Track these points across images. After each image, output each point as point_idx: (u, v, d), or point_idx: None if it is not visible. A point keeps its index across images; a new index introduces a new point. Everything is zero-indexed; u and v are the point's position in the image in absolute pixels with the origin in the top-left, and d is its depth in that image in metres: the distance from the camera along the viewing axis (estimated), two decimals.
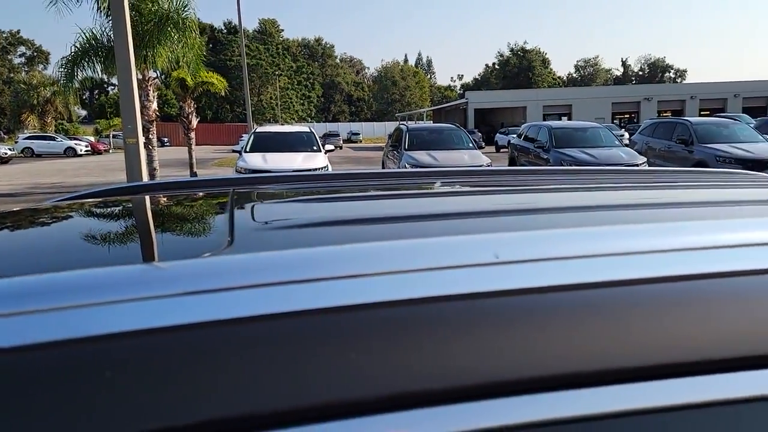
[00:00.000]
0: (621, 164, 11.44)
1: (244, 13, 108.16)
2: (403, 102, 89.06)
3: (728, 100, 49.52)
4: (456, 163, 11.33)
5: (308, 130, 13.58)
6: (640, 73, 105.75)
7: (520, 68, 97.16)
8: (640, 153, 13.38)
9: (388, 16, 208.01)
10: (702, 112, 44.49)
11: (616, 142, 13.48)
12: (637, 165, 11.58)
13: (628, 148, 13.61)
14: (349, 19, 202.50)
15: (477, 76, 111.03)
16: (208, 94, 39.15)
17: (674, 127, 13.87)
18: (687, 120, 13.93)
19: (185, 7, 13.92)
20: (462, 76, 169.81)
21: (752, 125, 16.32)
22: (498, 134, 37.88)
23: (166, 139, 57.26)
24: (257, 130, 13.43)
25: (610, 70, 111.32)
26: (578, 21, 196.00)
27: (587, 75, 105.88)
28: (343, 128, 73.62)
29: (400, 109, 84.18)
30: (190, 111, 18.53)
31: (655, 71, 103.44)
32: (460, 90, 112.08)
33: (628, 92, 56.74)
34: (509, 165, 14.97)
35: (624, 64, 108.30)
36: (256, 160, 11.12)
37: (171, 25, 13.77)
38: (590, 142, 13.14)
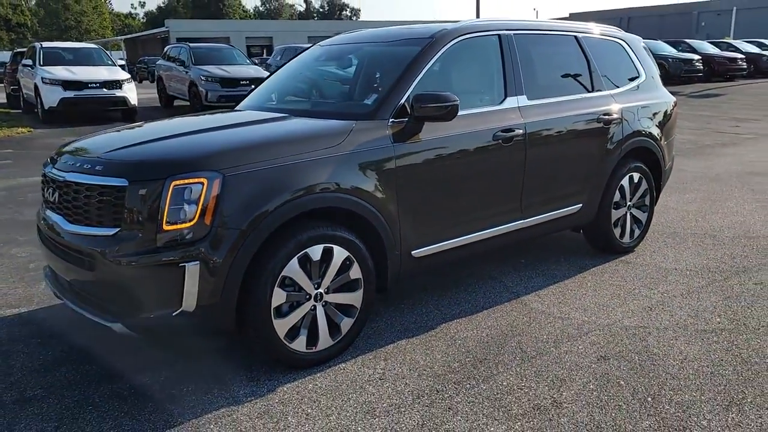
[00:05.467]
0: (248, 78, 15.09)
1: None
2: (80, 29, 79.23)
3: None
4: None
5: (97, 47, 15.99)
6: (321, 9, 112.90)
7: None
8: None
9: None
10: None
11: (247, 62, 17.17)
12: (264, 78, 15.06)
13: (257, 66, 17.33)
14: None
15: (161, 4, 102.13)
16: None
17: (295, 51, 18.30)
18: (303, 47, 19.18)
19: None
20: (144, 3, 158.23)
21: None
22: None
23: None
24: (46, 45, 15.48)
25: (294, 5, 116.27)
26: None
27: (273, 9, 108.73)
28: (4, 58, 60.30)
29: (78, 38, 72.13)
30: None
31: (334, 8, 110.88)
32: (143, 18, 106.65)
33: (322, 27, 62.10)
34: (156, 82, 18.37)
35: (306, 1, 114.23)
36: (61, 72, 13.65)
37: None
38: (226, 60, 16.34)
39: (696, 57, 24.37)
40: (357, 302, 3.27)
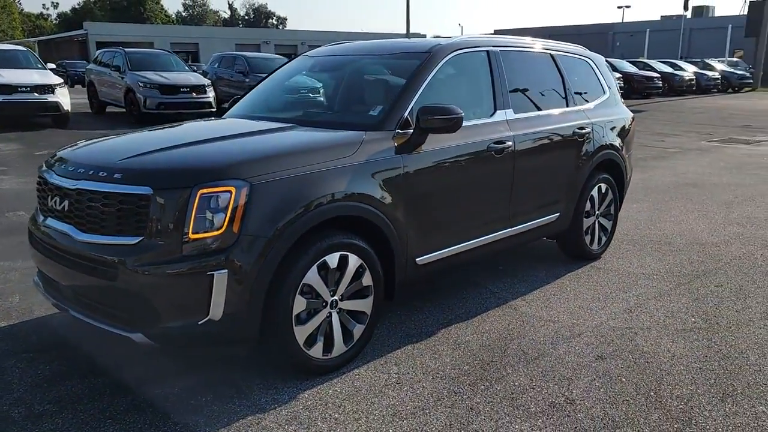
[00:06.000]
0: (188, 85, 14.79)
1: None
2: None
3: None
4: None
5: (26, 48, 14.87)
6: (246, 17, 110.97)
7: (129, 1, 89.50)
8: (212, 80, 16.80)
9: None
10: None
11: (186, 68, 16.78)
12: (204, 85, 15.12)
13: (196, 73, 17.00)
14: None
15: (76, 5, 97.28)
16: None
17: (234, 58, 18.32)
18: (243, 54, 18.60)
19: None
20: (57, 3, 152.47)
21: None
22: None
23: None
24: None
25: (218, 11, 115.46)
26: None
27: (196, 15, 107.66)
28: None
29: None
30: None
31: (260, 17, 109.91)
32: (55, 19, 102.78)
33: (251, 35, 63.38)
34: (87, 88, 17.71)
35: (231, 7, 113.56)
36: None
37: None
38: (163, 66, 15.88)
39: (617, 75, 25.71)
40: (368, 309, 3.34)
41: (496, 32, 64.24)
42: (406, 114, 3.52)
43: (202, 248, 2.73)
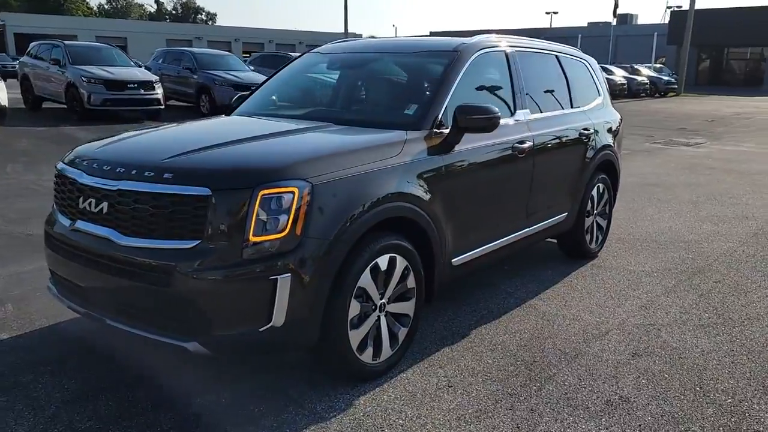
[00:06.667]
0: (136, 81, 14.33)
1: None
2: None
3: (264, 45, 61.92)
4: None
5: None
6: (174, 12, 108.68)
7: None
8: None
9: None
10: (244, 53, 50.01)
11: (131, 63, 16.22)
12: (152, 81, 14.69)
13: (142, 68, 16.62)
14: None
15: None
16: None
17: (181, 54, 17.82)
18: (190, 50, 18.10)
19: None
20: None
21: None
22: None
23: None
24: None
25: (144, 5, 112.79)
26: None
27: (120, 8, 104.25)
28: None
29: None
30: None
31: (188, 12, 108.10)
32: None
33: (182, 30, 64.18)
34: (21, 82, 16.75)
35: (157, 1, 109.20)
36: None
37: None
38: (106, 61, 15.30)
39: None
40: (411, 311, 3.27)
41: (432, 34, 64.94)
42: (440, 113, 3.48)
43: (264, 252, 2.59)
